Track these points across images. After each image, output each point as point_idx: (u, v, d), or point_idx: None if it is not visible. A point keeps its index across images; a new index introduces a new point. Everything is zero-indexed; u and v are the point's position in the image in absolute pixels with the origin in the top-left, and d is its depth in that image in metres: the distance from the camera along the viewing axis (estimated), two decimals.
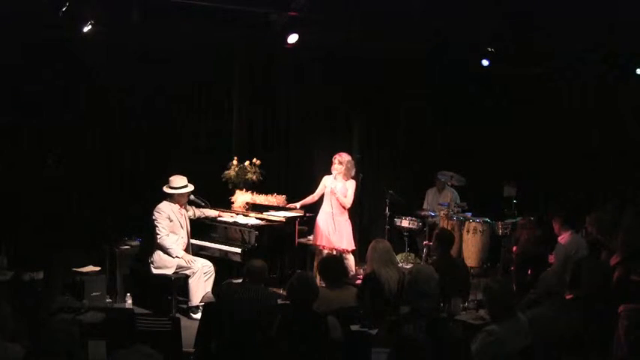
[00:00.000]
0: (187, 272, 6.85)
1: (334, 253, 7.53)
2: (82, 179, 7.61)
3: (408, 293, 4.18)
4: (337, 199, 7.59)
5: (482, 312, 5.27)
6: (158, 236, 6.89)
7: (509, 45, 8.67)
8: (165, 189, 7.00)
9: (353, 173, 7.74)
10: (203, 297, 6.80)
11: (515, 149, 10.04)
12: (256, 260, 5.39)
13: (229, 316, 4.82)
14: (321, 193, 7.74)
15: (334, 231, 7.62)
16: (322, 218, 7.69)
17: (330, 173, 7.69)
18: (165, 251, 6.87)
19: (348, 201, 7.67)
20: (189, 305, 6.85)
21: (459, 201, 9.11)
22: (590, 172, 9.72)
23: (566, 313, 4.80)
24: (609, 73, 9.15)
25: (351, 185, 7.69)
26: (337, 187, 7.63)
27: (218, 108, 8.74)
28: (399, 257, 8.14)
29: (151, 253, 6.99)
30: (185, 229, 7.10)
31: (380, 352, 3.84)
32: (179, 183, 7.02)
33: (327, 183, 7.68)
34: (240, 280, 5.41)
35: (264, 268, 5.22)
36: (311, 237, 8.33)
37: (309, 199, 7.81)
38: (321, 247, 7.70)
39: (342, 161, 7.61)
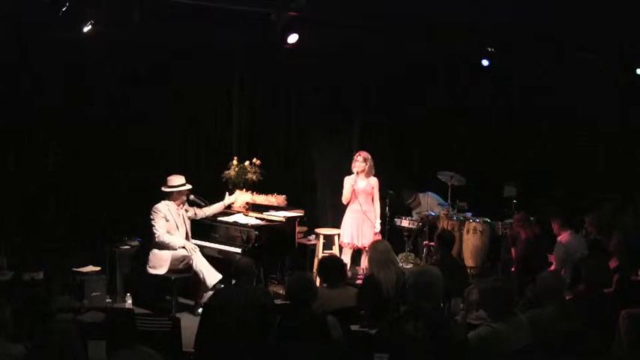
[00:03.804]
0: (191, 260, 6.88)
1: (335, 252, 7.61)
2: (81, 179, 7.61)
3: (410, 293, 4.18)
4: (366, 198, 7.78)
5: (482, 312, 5.27)
6: (156, 234, 6.91)
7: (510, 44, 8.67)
8: (163, 188, 7.04)
9: (373, 171, 7.92)
10: (203, 297, 6.82)
11: (515, 149, 10.07)
12: (241, 258, 5.41)
13: (227, 317, 4.82)
14: (350, 193, 7.82)
15: (363, 228, 7.77)
16: (351, 217, 7.80)
17: (349, 174, 7.83)
18: (167, 247, 6.89)
19: (378, 201, 7.96)
20: (200, 301, 6.84)
21: (441, 200, 9.17)
22: (590, 172, 9.73)
23: (566, 313, 4.80)
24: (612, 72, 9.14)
25: (375, 183, 7.89)
26: (361, 185, 7.75)
27: (218, 108, 8.73)
28: (399, 257, 8.14)
29: (147, 253, 7.02)
30: (183, 229, 7.11)
31: (382, 358, 3.83)
32: (176, 182, 7.07)
33: (352, 182, 7.77)
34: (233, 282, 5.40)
35: (252, 264, 5.22)
36: (312, 237, 8.36)
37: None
38: (346, 246, 7.78)
39: (366, 158, 7.78)
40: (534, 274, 5.86)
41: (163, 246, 6.90)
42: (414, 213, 9.32)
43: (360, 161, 7.78)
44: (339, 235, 8.05)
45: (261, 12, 7.19)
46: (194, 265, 6.85)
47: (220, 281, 6.79)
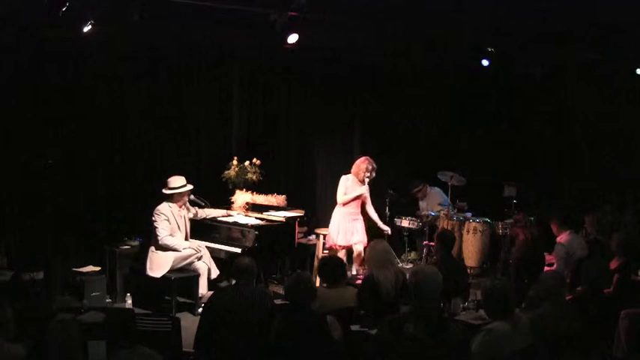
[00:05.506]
0: (198, 256, 7.03)
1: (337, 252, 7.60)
2: (81, 179, 7.61)
3: (409, 293, 4.19)
4: (359, 202, 7.76)
5: (482, 312, 5.27)
6: (159, 237, 6.90)
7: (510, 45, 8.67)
8: (164, 190, 7.03)
9: None
10: (203, 296, 6.82)
11: (515, 149, 10.07)
12: (242, 258, 5.37)
13: (227, 318, 4.82)
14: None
15: (357, 230, 7.72)
16: (344, 219, 7.71)
17: (345, 173, 7.80)
18: (171, 249, 6.91)
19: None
20: (201, 296, 6.90)
21: (444, 197, 9.17)
22: (589, 172, 9.73)
23: (566, 313, 4.80)
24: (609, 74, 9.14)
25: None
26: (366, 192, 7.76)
27: (218, 108, 8.74)
28: (399, 257, 8.14)
29: (146, 255, 7.04)
30: (183, 230, 7.12)
31: None
32: (177, 183, 7.05)
33: (363, 190, 7.70)
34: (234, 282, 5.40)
35: (253, 264, 5.19)
36: (312, 237, 8.35)
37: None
38: (335, 248, 7.73)
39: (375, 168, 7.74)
40: (531, 276, 5.87)
41: (167, 248, 6.92)
42: (420, 203, 9.31)
43: (372, 171, 7.69)
44: (326, 236, 7.95)
45: (261, 12, 7.18)
46: (203, 259, 7.04)
47: (219, 281, 6.83)
